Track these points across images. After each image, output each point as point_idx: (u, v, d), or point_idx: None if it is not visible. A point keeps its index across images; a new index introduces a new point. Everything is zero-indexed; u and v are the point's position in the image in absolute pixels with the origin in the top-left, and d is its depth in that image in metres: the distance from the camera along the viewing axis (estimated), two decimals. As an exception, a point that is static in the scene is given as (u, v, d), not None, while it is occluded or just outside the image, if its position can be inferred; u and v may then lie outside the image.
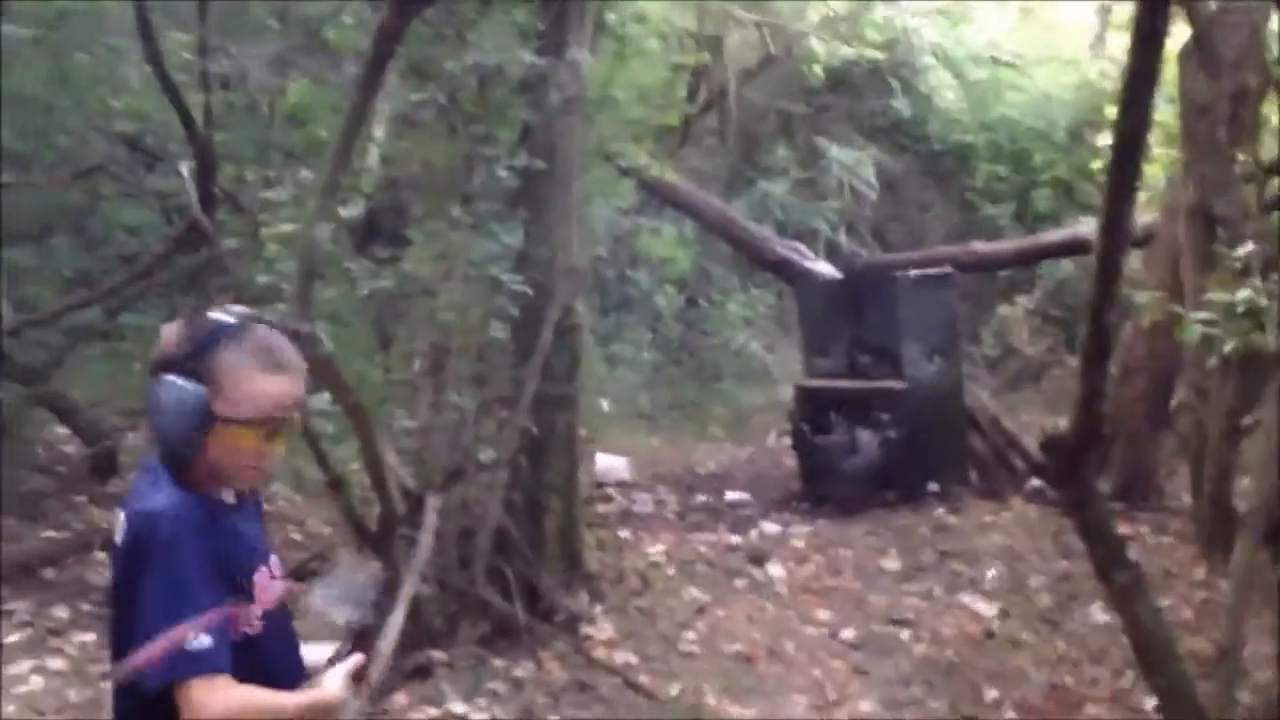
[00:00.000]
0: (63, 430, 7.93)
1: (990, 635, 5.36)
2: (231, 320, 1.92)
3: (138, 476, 1.99)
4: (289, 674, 1.96)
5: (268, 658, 1.93)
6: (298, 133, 6.01)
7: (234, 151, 6.41)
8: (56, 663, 4.94)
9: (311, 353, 4.31)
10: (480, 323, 5.29)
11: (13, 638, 5.00)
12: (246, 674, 1.86)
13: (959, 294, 8.39)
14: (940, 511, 7.30)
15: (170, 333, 1.93)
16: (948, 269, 8.22)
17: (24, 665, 4.97)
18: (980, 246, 10.07)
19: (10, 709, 4.59)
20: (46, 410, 7.42)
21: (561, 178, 5.44)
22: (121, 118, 7.03)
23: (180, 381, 1.86)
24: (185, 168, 5.89)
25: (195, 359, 1.86)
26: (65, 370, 7.80)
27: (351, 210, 5.88)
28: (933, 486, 7.59)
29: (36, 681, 4.89)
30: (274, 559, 2.05)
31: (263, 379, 1.87)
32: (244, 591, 1.92)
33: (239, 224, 6.09)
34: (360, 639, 2.12)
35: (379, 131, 5.80)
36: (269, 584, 1.99)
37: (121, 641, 1.85)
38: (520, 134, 5.42)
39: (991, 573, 6.18)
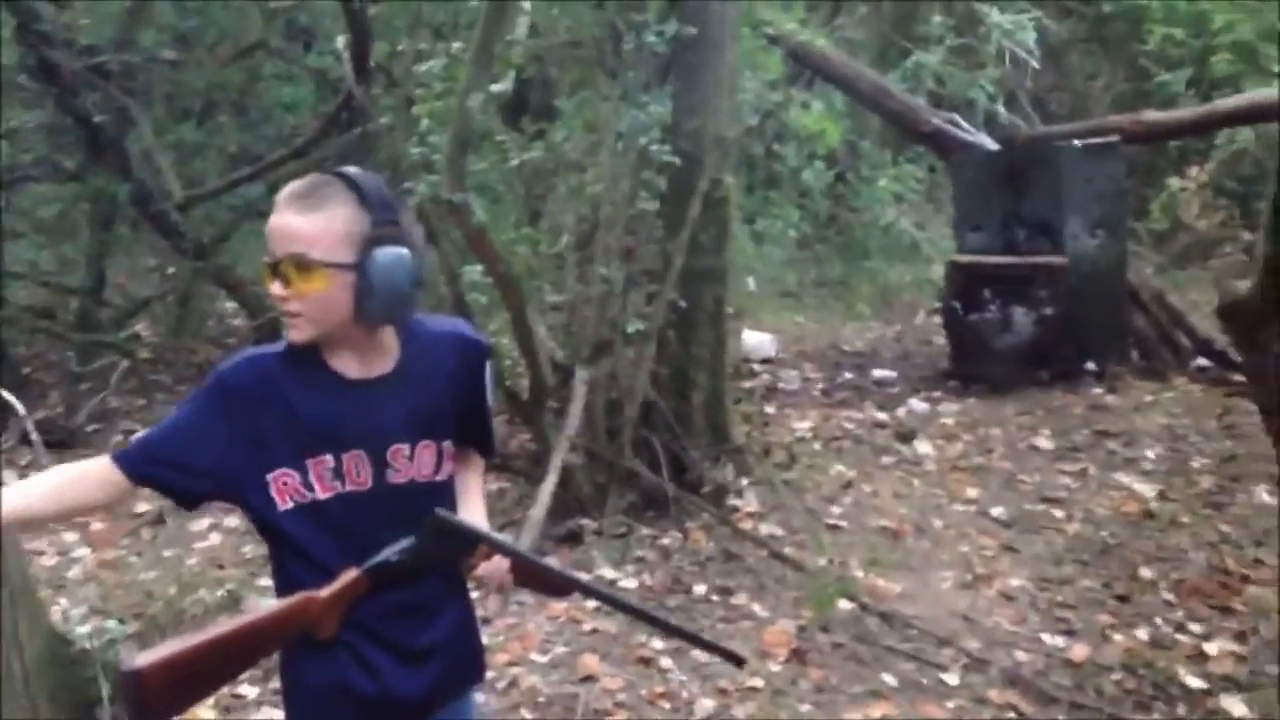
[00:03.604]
0: (231, 304, 8.31)
1: (1148, 515, 5.20)
2: None
3: None
4: (363, 552, 1.85)
5: (339, 529, 1.86)
6: (447, 6, 6.01)
7: (386, 27, 6.47)
8: (232, 520, 5.25)
9: (464, 222, 4.40)
10: (628, 195, 5.25)
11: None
12: (313, 536, 1.85)
13: (1126, 166, 7.99)
14: (1097, 391, 7.08)
15: None
16: (1115, 139, 7.82)
17: (203, 523, 5.31)
18: (1151, 115, 9.46)
19: (192, 561, 4.92)
20: (215, 284, 7.77)
21: (713, 45, 5.30)
22: (277, -5, 7.16)
23: None
24: (341, 42, 5.97)
25: None
26: (231, 246, 8.14)
27: (501, 84, 5.89)
28: (1090, 365, 7.36)
29: (215, 538, 5.22)
30: (417, 446, 1.91)
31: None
32: (313, 457, 1.84)
33: (392, 99, 6.17)
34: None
35: (527, 3, 5.76)
36: (402, 462, 1.90)
37: None
38: (670, 0, 5.30)
39: (1151, 453, 5.98)
